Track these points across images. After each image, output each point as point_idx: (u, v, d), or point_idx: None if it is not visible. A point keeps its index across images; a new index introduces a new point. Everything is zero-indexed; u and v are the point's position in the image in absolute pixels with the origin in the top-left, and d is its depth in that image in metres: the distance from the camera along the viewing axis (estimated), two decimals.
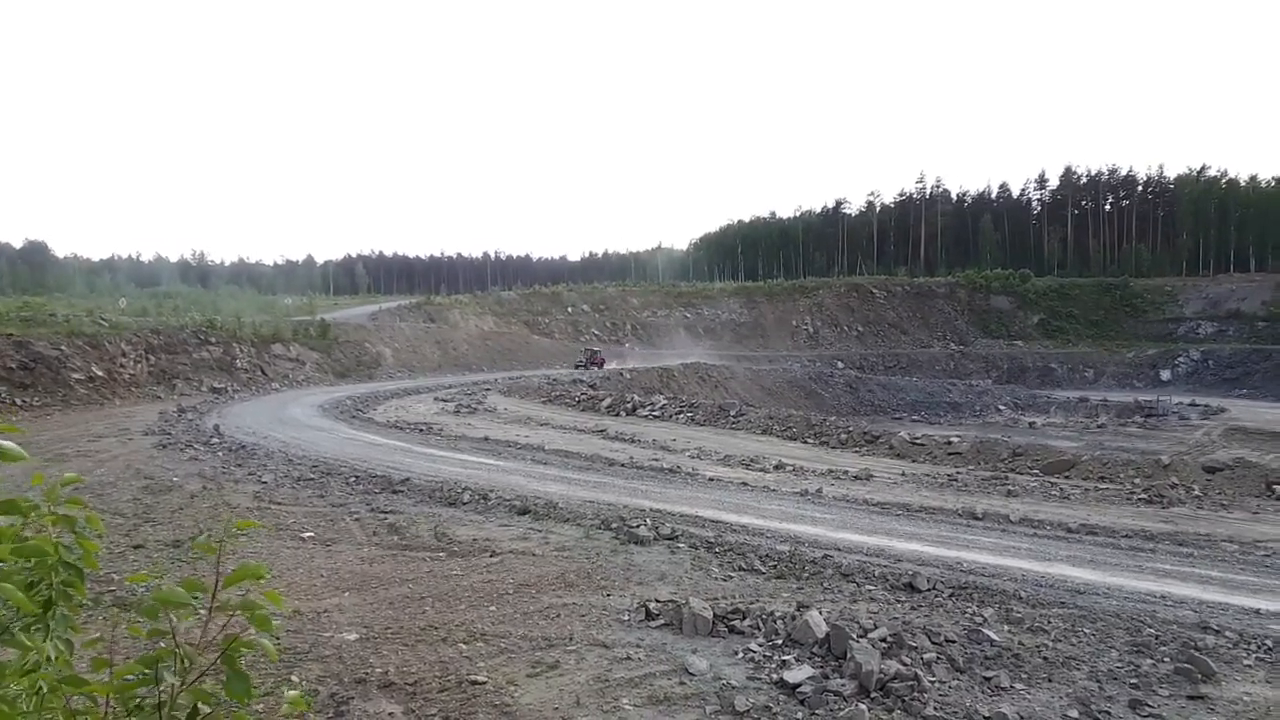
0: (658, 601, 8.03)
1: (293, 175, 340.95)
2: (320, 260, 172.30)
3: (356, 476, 15.82)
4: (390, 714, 5.80)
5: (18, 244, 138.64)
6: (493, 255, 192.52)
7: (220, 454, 18.49)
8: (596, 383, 39.89)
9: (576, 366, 53.89)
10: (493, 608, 8.11)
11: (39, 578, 1.53)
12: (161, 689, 1.74)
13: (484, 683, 6.23)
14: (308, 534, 11.27)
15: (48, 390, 29.74)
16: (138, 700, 1.74)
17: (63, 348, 31.74)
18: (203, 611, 1.84)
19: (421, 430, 23.78)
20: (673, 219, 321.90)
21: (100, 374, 32.43)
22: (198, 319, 42.85)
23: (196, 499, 13.57)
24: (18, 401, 28.17)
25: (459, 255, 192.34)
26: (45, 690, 1.58)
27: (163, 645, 1.82)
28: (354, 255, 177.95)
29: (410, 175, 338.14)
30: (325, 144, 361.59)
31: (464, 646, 7.01)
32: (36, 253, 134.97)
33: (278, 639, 1.78)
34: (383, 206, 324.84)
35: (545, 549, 10.52)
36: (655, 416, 28.59)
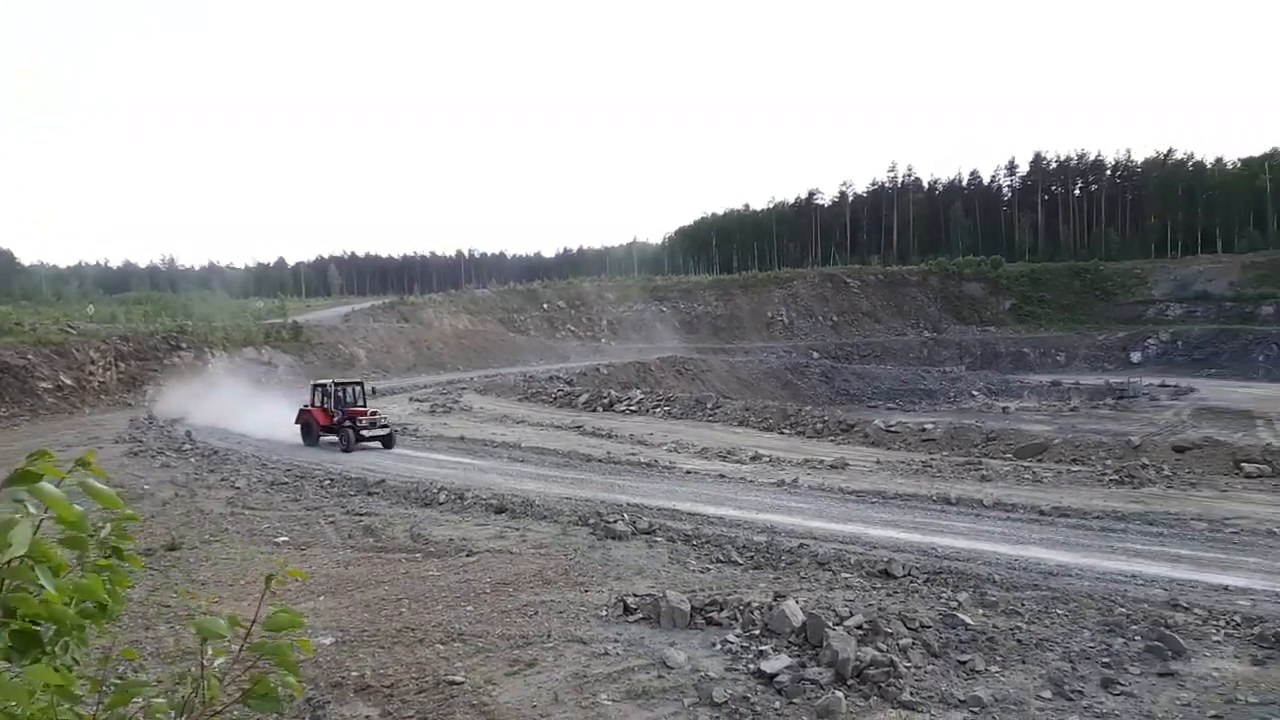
0: (636, 596, 8.05)
1: (263, 176, 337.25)
2: (292, 262, 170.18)
3: (331, 479, 15.71)
4: (367, 717, 5.77)
5: None
6: (467, 253, 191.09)
7: (193, 460, 18.31)
8: (573, 379, 39.80)
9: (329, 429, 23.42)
10: (470, 607, 8.09)
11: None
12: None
13: (462, 683, 6.21)
14: (282, 539, 11.19)
15: (15, 400, 29.30)
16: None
17: (30, 357, 31.28)
18: (233, 646, 1.91)
19: (397, 431, 23.61)
20: (647, 213, 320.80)
21: (69, 382, 31.99)
22: (169, 325, 42.42)
23: (169, 506, 13.44)
24: None
25: (432, 254, 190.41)
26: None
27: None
28: (326, 256, 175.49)
29: (382, 175, 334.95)
30: (295, 144, 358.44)
31: (441, 647, 6.99)
32: (2, 261, 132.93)
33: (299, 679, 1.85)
34: (355, 207, 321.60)
35: (522, 547, 10.50)
36: (632, 411, 28.57)
